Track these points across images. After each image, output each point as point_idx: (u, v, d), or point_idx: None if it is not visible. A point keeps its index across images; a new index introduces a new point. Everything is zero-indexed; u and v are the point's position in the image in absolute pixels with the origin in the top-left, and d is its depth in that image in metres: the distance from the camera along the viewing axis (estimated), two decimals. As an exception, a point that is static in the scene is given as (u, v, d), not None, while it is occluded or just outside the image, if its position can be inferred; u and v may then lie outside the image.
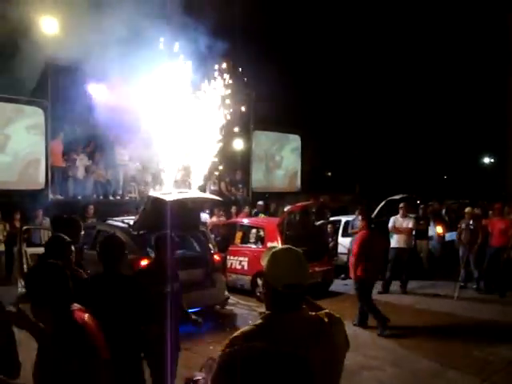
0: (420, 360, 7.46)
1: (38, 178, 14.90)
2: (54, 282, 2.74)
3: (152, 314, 4.26)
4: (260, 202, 16.81)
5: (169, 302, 4.43)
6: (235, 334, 2.43)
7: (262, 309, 2.56)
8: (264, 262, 2.49)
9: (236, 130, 18.11)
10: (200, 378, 2.59)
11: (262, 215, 15.83)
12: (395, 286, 12.18)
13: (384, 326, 8.94)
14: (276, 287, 2.41)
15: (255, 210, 16.46)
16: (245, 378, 1.60)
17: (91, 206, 13.96)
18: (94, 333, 2.85)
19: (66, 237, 4.48)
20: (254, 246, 11.94)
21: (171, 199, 8.77)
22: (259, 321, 2.44)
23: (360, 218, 10.06)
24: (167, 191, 9.97)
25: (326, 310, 2.54)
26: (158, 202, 8.88)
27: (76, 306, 2.92)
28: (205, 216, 14.62)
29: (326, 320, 2.45)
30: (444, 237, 14.63)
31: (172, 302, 4.56)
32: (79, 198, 15.27)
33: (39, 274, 2.79)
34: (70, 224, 5.19)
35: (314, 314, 2.47)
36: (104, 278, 4.26)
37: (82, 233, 5.44)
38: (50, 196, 14.74)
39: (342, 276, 13.70)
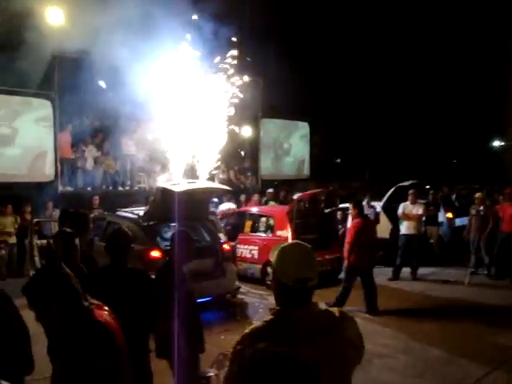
0: (431, 347, 7.44)
1: (48, 171, 14.96)
2: (53, 288, 2.68)
3: (157, 310, 4.27)
4: (270, 190, 16.76)
5: (181, 300, 4.40)
6: (246, 330, 2.43)
7: (272, 298, 2.56)
8: (273, 258, 2.48)
9: (244, 117, 18.11)
10: (212, 374, 2.60)
11: (273, 203, 15.81)
12: (406, 272, 12.16)
13: (341, 303, 9.23)
14: (286, 282, 2.40)
15: (265, 198, 16.42)
16: (253, 380, 1.61)
17: (96, 197, 14.00)
18: (116, 331, 2.84)
19: (70, 231, 4.49)
20: (263, 235, 11.94)
21: (180, 190, 8.78)
22: (270, 317, 2.44)
23: (351, 206, 10.00)
24: (176, 182, 9.98)
25: (339, 308, 2.53)
26: (166, 193, 8.90)
27: (94, 302, 2.89)
28: (228, 204, 14.56)
29: (337, 315, 2.44)
30: (454, 222, 14.55)
31: (185, 301, 4.52)
32: (89, 189, 15.33)
33: (35, 286, 2.69)
34: (77, 218, 5.20)
35: (324, 309, 2.47)
36: (110, 271, 4.29)
37: (91, 225, 5.46)
38: (60, 188, 14.79)
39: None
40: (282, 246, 2.51)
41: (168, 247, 8.75)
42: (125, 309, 3.95)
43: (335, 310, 2.49)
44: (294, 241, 2.59)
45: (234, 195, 15.47)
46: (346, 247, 9.61)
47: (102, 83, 15.28)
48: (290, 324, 2.37)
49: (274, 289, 2.49)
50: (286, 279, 2.40)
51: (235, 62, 13.11)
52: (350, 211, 12.09)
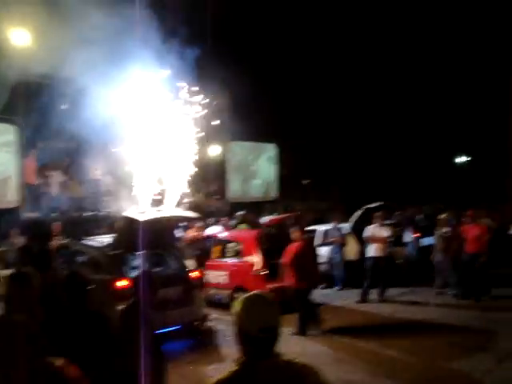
0: (401, 372, 7.48)
1: (11, 197, 14.70)
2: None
3: (116, 349, 4.19)
4: (240, 213, 16.66)
5: (146, 344, 4.32)
6: (212, 380, 2.42)
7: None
8: (235, 309, 2.47)
9: (212, 141, 18.14)
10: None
11: (244, 226, 15.71)
12: (374, 294, 12.23)
13: (302, 330, 9.51)
14: (250, 332, 2.40)
15: (235, 221, 16.30)
16: None
17: (57, 224, 13.71)
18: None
19: (24, 272, 4.37)
20: (232, 260, 11.90)
21: (144, 219, 8.71)
22: (235, 367, 2.43)
23: (295, 229, 10.12)
24: (141, 210, 9.89)
25: (302, 361, 2.52)
26: (131, 222, 8.82)
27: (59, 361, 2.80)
28: (216, 228, 14.43)
29: (301, 367, 2.45)
30: (420, 242, 14.72)
31: (150, 344, 4.44)
32: (54, 215, 15.09)
33: None
34: (39, 255, 5.10)
35: (287, 360, 2.46)
36: (68, 315, 4.19)
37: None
38: (24, 214, 14.54)
39: (322, 286, 13.73)
40: (245, 296, 2.52)
41: (134, 277, 8.69)
42: (85, 351, 3.89)
43: (299, 362, 2.47)
44: (257, 291, 2.58)
45: (201, 219, 15.37)
46: (286, 270, 9.89)
47: (65, 107, 15.16)
48: (255, 376, 2.36)
49: (238, 341, 2.48)
50: (252, 328, 2.40)
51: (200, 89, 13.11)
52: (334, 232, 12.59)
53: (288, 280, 9.77)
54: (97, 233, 12.56)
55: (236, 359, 2.48)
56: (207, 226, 15.89)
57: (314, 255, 10.45)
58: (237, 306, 2.48)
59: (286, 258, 9.85)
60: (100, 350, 4.07)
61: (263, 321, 2.42)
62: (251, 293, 2.55)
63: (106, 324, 4.29)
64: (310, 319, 9.75)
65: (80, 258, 10.00)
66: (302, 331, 9.58)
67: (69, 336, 3.89)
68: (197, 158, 13.79)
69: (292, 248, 9.82)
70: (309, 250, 9.98)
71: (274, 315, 2.48)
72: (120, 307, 4.89)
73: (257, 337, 2.39)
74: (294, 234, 9.96)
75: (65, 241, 12.54)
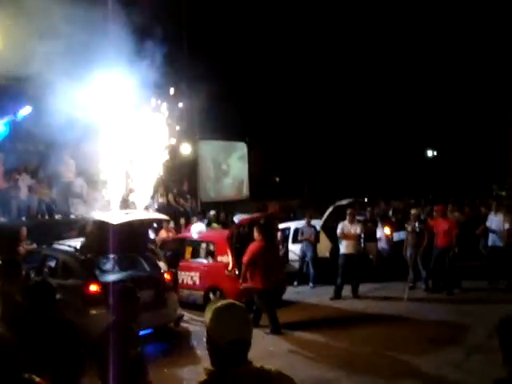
0: (373, 369, 7.54)
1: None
2: None
3: (83, 362, 4.12)
4: (212, 212, 16.62)
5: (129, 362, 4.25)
6: None
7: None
8: (207, 318, 2.45)
9: (182, 140, 18.04)
10: None
11: (216, 225, 15.70)
12: (347, 291, 12.31)
13: (276, 328, 9.58)
14: (221, 344, 2.38)
15: (206, 221, 16.25)
16: None
17: (24, 228, 13.45)
18: None
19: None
20: (204, 261, 11.86)
21: (116, 222, 8.64)
22: (204, 377, 2.41)
23: (255, 229, 10.16)
24: (112, 213, 9.81)
25: (275, 369, 2.50)
26: (102, 225, 8.74)
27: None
28: (200, 225, 14.28)
29: (274, 375, 2.43)
30: (392, 237, 14.87)
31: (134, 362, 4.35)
32: (23, 219, 14.82)
33: None
34: (6, 266, 5.01)
35: (260, 367, 2.45)
36: (35, 324, 4.11)
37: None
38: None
39: (295, 283, 13.81)
40: (216, 306, 2.48)
41: (107, 283, 8.63)
42: (53, 362, 3.83)
43: (271, 369, 2.46)
44: (228, 300, 2.55)
45: (173, 219, 15.29)
46: (243, 270, 9.93)
47: (30, 109, 14.88)
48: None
49: (209, 350, 2.46)
50: (221, 340, 2.38)
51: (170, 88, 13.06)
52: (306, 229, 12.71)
53: (250, 280, 9.79)
54: (67, 237, 12.41)
55: (206, 368, 2.46)
56: (179, 226, 15.85)
57: (275, 255, 10.46)
58: (208, 314, 2.45)
59: (245, 257, 9.91)
60: (71, 358, 4.01)
61: (234, 333, 2.39)
62: (224, 302, 2.51)
63: (75, 332, 4.21)
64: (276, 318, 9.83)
65: (50, 263, 9.86)
66: (276, 330, 9.60)
67: (38, 346, 3.82)
68: (167, 158, 13.76)
69: (251, 248, 9.90)
70: (268, 250, 9.94)
71: (245, 327, 2.46)
72: (100, 328, 4.67)
73: (226, 348, 2.37)
74: (255, 233, 10.03)
75: (33, 245, 12.37)
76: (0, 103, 14.33)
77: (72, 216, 15.62)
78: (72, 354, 4.02)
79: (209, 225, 15.61)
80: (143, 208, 12.14)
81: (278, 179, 26.78)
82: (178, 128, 17.53)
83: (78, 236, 11.40)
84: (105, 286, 8.69)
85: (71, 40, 11.38)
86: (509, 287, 12.12)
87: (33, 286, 4.35)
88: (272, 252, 10.29)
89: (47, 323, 4.07)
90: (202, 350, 8.57)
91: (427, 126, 32.59)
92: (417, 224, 12.59)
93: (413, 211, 13.22)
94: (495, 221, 12.58)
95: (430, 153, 39.75)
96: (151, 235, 12.63)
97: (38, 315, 4.08)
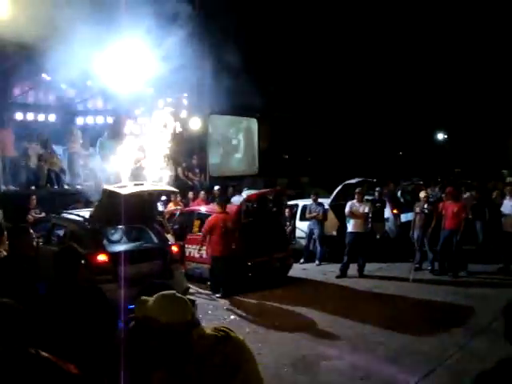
0: (376, 348, 7.58)
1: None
2: None
3: (115, 322, 4.10)
4: (217, 188, 16.51)
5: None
6: None
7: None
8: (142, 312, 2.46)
9: (192, 114, 17.97)
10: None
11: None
12: (353, 269, 12.34)
13: (227, 293, 10.61)
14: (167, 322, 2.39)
15: (212, 197, 16.18)
16: None
17: (33, 197, 13.51)
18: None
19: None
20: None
21: (126, 192, 8.64)
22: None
23: (216, 204, 11.69)
24: (123, 183, 9.82)
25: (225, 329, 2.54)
26: (112, 196, 8.75)
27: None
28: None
29: (220, 336, 2.46)
30: (400, 218, 14.84)
31: None
32: (32, 188, 14.87)
33: None
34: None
35: (210, 331, 2.48)
36: (62, 291, 4.06)
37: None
38: (3, 187, 14.30)
39: (301, 261, 13.85)
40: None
41: (115, 253, 8.70)
42: (84, 327, 3.83)
43: (221, 331, 2.49)
44: (170, 291, 2.54)
45: (181, 193, 15.27)
46: (201, 237, 11.19)
47: (46, 77, 14.83)
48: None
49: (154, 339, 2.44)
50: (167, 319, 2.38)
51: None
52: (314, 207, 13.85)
53: (209, 248, 10.95)
54: (76, 206, 12.46)
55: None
56: (187, 200, 15.84)
57: (231, 227, 10.92)
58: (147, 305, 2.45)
59: (203, 228, 11.09)
60: (96, 322, 3.95)
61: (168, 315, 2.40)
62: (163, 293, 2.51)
63: (105, 298, 4.18)
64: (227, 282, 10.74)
65: (58, 232, 9.93)
66: (226, 294, 10.58)
67: (64, 312, 3.80)
68: (180, 130, 13.73)
69: (209, 219, 11.00)
70: (224, 222, 10.81)
71: (185, 311, 2.46)
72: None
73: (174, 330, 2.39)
74: (215, 206, 11.33)
75: (42, 214, 12.45)
76: (13, 71, 14.26)
77: (81, 187, 15.67)
78: (103, 320, 3.97)
79: (213, 200, 15.57)
80: (153, 180, 12.15)
81: (287, 156, 26.68)
82: (189, 101, 17.55)
83: (88, 206, 11.47)
84: (112, 256, 8.76)
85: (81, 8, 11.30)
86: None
87: (60, 250, 4.29)
88: (227, 224, 10.86)
89: (75, 290, 4.02)
90: (206, 322, 8.62)
91: (439, 108, 32.37)
92: (425, 205, 12.55)
93: (421, 193, 13.16)
94: (510, 206, 12.46)
95: (440, 136, 39.56)
96: (160, 207, 12.66)
97: (65, 281, 4.04)
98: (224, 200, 12.05)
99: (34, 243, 4.68)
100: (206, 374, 2.37)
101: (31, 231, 4.82)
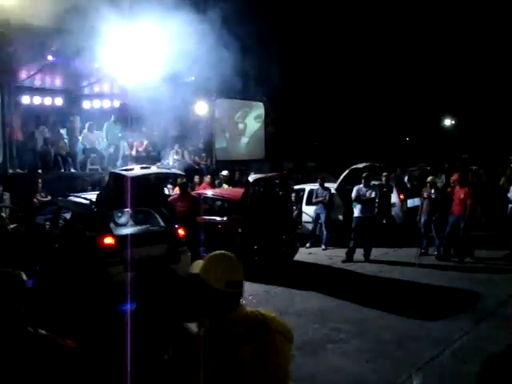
0: (383, 331, 7.58)
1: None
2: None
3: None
4: (224, 173, 16.47)
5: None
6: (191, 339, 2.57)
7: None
8: (198, 270, 2.49)
9: (199, 98, 17.94)
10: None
11: (226, 186, 15.62)
12: (359, 254, 12.34)
13: None
14: (218, 287, 2.43)
15: (218, 181, 16.19)
16: None
17: (39, 180, 13.57)
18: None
19: None
20: (219, 218, 11.88)
21: (132, 175, 8.65)
22: (207, 323, 2.50)
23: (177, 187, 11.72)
24: (129, 167, 9.83)
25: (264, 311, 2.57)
26: (119, 179, 8.75)
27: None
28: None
29: (262, 317, 2.48)
30: (406, 204, 14.81)
31: None
32: (39, 171, 14.91)
33: None
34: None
35: (252, 311, 2.52)
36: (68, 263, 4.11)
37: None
38: (10, 170, 14.34)
39: (307, 245, 13.85)
40: (208, 256, 2.56)
41: (121, 236, 8.72)
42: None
43: (261, 311, 2.54)
44: (220, 251, 2.61)
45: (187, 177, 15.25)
46: None
47: (50, 58, 14.74)
48: (227, 327, 2.43)
49: (204, 298, 2.48)
50: (219, 284, 2.43)
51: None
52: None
53: None
54: (83, 189, 12.50)
55: (202, 317, 2.53)
56: (193, 184, 15.83)
57: (190, 206, 11.15)
58: (198, 266, 2.52)
59: None
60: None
61: (230, 275, 2.49)
62: (215, 252, 2.60)
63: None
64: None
65: (65, 215, 9.95)
66: None
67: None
68: (184, 115, 13.72)
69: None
70: (182, 202, 11.06)
71: (238, 270, 2.56)
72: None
73: (224, 291, 2.44)
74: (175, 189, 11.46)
75: (48, 197, 12.49)
76: (23, 54, 14.22)
77: (88, 170, 15.71)
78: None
79: (220, 185, 15.59)
80: (159, 163, 12.18)
81: (293, 141, 26.63)
82: (195, 85, 17.46)
83: (94, 189, 11.50)
84: (119, 238, 8.78)
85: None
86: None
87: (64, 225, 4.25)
88: (187, 202, 11.10)
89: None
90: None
91: (447, 93, 32.18)
92: (432, 191, 12.50)
93: (429, 178, 13.09)
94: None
95: (448, 121, 39.35)
96: (166, 191, 12.68)
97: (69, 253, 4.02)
98: (231, 183, 11.96)
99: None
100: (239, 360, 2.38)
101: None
